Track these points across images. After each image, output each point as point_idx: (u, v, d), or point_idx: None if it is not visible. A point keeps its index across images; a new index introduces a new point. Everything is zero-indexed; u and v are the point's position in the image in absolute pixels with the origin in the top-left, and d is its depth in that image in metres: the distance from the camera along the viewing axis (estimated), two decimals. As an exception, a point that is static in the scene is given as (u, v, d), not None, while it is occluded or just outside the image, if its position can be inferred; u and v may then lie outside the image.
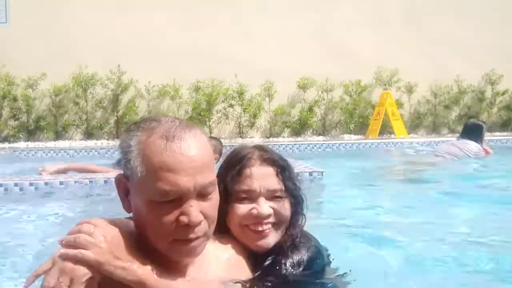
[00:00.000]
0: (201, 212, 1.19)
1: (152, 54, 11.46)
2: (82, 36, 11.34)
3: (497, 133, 12.56)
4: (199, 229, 1.19)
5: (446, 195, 4.59)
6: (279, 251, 1.62)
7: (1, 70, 11.13)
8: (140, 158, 1.17)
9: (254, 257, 1.61)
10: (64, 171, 5.33)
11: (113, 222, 1.22)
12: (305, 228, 1.76)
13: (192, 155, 1.16)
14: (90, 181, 4.76)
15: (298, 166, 5.00)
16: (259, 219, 1.59)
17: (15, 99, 11.14)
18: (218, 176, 1.51)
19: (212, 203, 1.23)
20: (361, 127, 12.17)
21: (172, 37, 11.63)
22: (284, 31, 12.12)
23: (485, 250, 2.70)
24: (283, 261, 1.60)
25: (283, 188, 1.64)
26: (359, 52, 12.17)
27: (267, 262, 1.61)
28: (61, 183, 4.72)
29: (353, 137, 11.78)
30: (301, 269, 1.61)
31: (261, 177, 1.62)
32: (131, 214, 1.29)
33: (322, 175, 5.03)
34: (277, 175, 1.64)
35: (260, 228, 1.59)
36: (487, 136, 11.91)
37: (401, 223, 3.39)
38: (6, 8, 11.46)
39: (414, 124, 12.88)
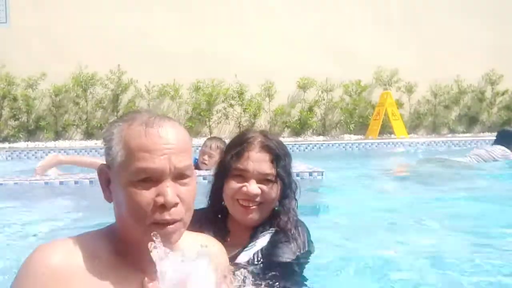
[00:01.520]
0: (177, 195, 1.22)
1: (152, 54, 11.46)
2: (82, 36, 11.34)
3: (497, 133, 12.56)
4: (175, 211, 1.21)
5: (449, 194, 4.59)
6: (283, 230, 1.87)
7: (1, 70, 11.13)
8: (121, 144, 1.23)
9: (254, 233, 1.87)
10: (55, 165, 5.18)
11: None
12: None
13: (168, 138, 1.23)
14: (90, 181, 4.76)
15: (298, 166, 4.99)
16: (248, 196, 1.84)
17: (15, 99, 11.13)
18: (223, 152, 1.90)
19: (189, 189, 1.25)
20: (361, 127, 12.16)
21: (172, 37, 11.63)
22: (284, 31, 12.12)
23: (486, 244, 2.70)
24: (284, 240, 1.85)
25: (275, 174, 1.87)
26: (359, 52, 12.17)
27: (269, 239, 1.86)
28: (61, 183, 4.72)
29: (353, 137, 11.78)
30: (302, 250, 1.86)
31: (257, 160, 1.86)
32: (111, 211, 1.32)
33: (322, 175, 5.03)
34: (271, 161, 1.87)
35: (246, 204, 1.85)
36: (488, 136, 11.96)
37: (402, 223, 3.38)
38: (6, 8, 11.46)
39: (414, 124, 12.88)
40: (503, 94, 13.05)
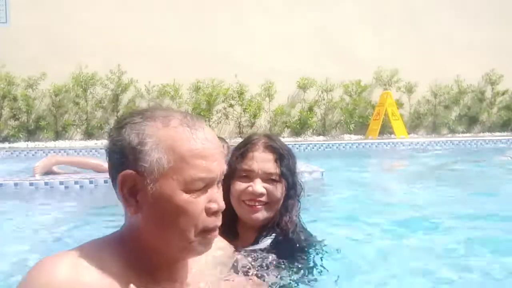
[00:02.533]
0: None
1: (152, 54, 11.46)
2: (82, 36, 11.34)
3: (497, 133, 12.57)
4: (220, 216, 1.19)
5: (454, 190, 4.59)
6: (283, 233, 1.91)
7: (1, 70, 11.13)
8: (162, 148, 1.11)
9: (259, 237, 1.91)
10: (53, 165, 5.17)
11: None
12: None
13: (214, 141, 1.16)
14: (90, 182, 4.76)
15: (298, 166, 4.98)
16: (253, 196, 1.88)
17: (15, 99, 11.13)
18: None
19: (221, 191, 1.22)
20: (361, 127, 12.16)
21: (172, 37, 11.63)
22: (284, 31, 12.12)
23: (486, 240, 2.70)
24: (284, 243, 1.88)
25: (279, 173, 1.91)
26: (359, 52, 12.17)
27: (269, 241, 1.90)
28: (61, 183, 4.73)
29: (353, 137, 11.78)
30: (295, 252, 1.88)
31: (261, 160, 1.91)
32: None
33: (322, 175, 5.03)
34: (275, 161, 1.92)
35: (253, 204, 1.89)
36: (487, 136, 11.97)
37: (402, 223, 3.38)
38: (6, 8, 11.46)
39: (414, 124, 12.88)
40: (503, 94, 13.05)
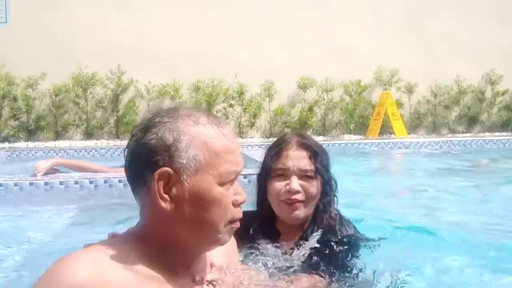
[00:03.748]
0: None
1: (152, 54, 11.46)
2: (82, 36, 11.34)
3: (497, 133, 12.57)
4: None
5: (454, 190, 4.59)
6: (329, 229, 1.96)
7: (1, 70, 11.13)
8: (196, 144, 1.17)
9: (304, 235, 1.96)
10: (53, 166, 5.19)
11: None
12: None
13: (236, 139, 1.27)
14: (90, 182, 4.76)
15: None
16: (290, 194, 1.93)
17: (15, 99, 11.13)
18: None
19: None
20: (361, 127, 12.16)
21: (172, 37, 11.63)
22: (284, 31, 12.12)
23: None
24: (332, 239, 1.92)
25: (314, 170, 1.95)
26: (359, 52, 12.17)
27: (316, 238, 1.94)
28: (61, 183, 4.72)
29: (353, 137, 11.78)
30: (345, 246, 1.91)
31: (296, 158, 1.95)
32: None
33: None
34: (309, 158, 1.96)
35: (290, 202, 1.94)
36: (487, 136, 11.97)
37: (402, 223, 3.38)
38: (6, 8, 11.46)
39: (414, 124, 12.88)
40: (503, 94, 13.04)
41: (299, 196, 1.94)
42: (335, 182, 2.07)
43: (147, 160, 1.16)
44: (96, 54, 11.33)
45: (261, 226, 2.02)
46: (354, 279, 1.87)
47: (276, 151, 2.00)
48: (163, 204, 1.16)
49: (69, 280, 1.06)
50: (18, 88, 11.20)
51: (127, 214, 3.01)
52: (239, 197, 1.24)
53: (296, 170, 1.95)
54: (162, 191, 1.16)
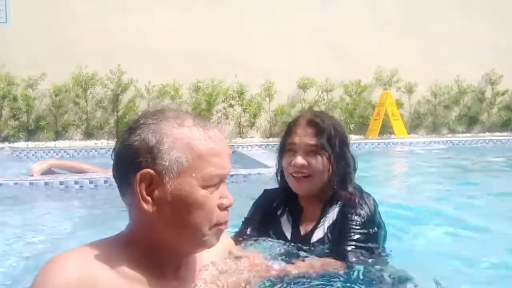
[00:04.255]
0: None
1: (152, 54, 11.46)
2: (82, 36, 11.33)
3: (497, 133, 12.56)
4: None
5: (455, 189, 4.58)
6: (349, 202, 2.06)
7: (1, 70, 11.13)
8: (179, 147, 1.16)
9: (324, 207, 2.10)
10: (49, 168, 5.20)
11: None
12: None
13: (225, 141, 1.25)
14: (90, 181, 4.76)
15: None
16: (296, 168, 2.07)
17: (15, 99, 11.13)
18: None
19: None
20: (361, 127, 12.16)
21: (172, 37, 11.63)
22: (284, 31, 12.11)
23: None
24: (352, 211, 2.03)
25: (319, 145, 2.06)
26: (359, 52, 12.17)
27: (338, 212, 2.07)
28: (61, 183, 4.72)
29: (353, 137, 11.75)
30: (365, 219, 2.01)
31: (303, 134, 2.09)
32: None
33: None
34: (315, 135, 2.08)
35: (296, 175, 2.08)
36: (487, 136, 11.97)
37: (402, 223, 3.38)
38: (6, 8, 11.46)
39: (414, 124, 12.88)
40: (503, 94, 13.04)
41: (304, 170, 2.06)
42: (353, 159, 2.17)
43: (131, 161, 1.16)
44: (96, 54, 11.32)
45: (284, 203, 2.19)
46: (370, 253, 1.97)
47: (287, 128, 2.18)
48: (145, 206, 1.16)
49: (61, 280, 1.07)
50: (18, 88, 11.20)
51: (127, 214, 3.01)
52: (225, 201, 1.22)
53: (301, 145, 2.08)
54: (144, 193, 1.15)
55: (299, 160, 2.07)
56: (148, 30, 11.56)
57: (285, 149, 2.14)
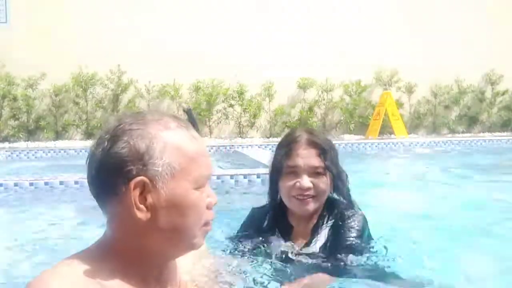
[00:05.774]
0: None
1: (152, 54, 11.46)
2: (82, 36, 11.34)
3: (497, 133, 12.57)
4: None
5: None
6: (340, 216, 2.07)
7: (1, 70, 11.14)
8: (170, 150, 1.13)
9: (315, 226, 2.07)
10: None
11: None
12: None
13: (203, 140, 1.23)
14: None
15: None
16: (302, 190, 2.02)
17: (15, 99, 11.14)
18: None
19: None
20: (361, 127, 12.16)
21: (172, 37, 11.63)
22: (284, 31, 12.12)
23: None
24: (343, 226, 2.04)
25: (323, 166, 2.04)
26: (359, 52, 12.17)
27: (328, 231, 2.06)
28: (61, 183, 4.72)
29: (353, 137, 11.77)
30: (354, 234, 2.03)
31: (306, 156, 2.04)
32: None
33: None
34: (319, 155, 2.05)
35: (302, 198, 2.03)
36: (487, 136, 11.97)
37: (402, 223, 3.38)
38: (6, 8, 11.47)
39: (414, 124, 12.88)
40: (503, 94, 13.04)
41: (310, 192, 2.03)
42: (346, 175, 2.15)
43: (119, 170, 1.11)
44: (96, 54, 11.32)
45: (273, 219, 2.14)
46: (364, 264, 1.98)
47: (286, 150, 2.08)
48: (139, 214, 1.11)
49: None
50: (18, 88, 11.21)
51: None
52: (212, 199, 1.21)
53: (306, 168, 2.03)
54: (138, 202, 1.11)
55: (307, 183, 2.02)
56: (148, 30, 11.57)
57: (284, 171, 2.07)
